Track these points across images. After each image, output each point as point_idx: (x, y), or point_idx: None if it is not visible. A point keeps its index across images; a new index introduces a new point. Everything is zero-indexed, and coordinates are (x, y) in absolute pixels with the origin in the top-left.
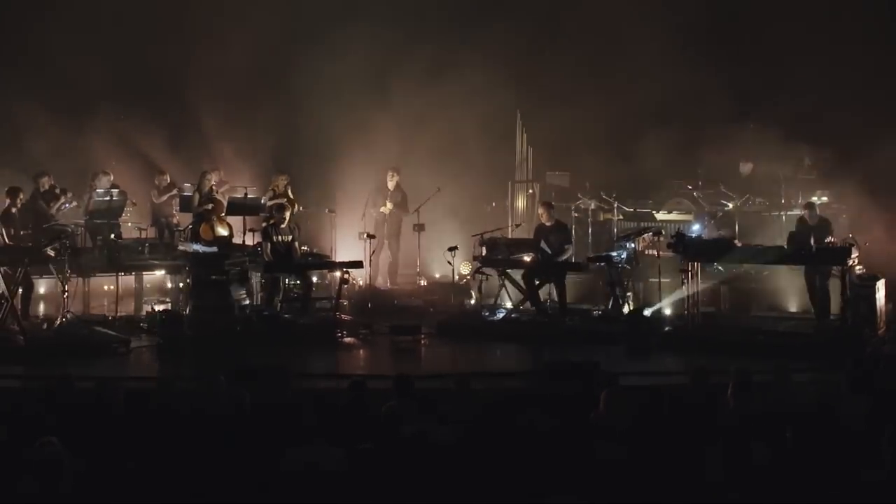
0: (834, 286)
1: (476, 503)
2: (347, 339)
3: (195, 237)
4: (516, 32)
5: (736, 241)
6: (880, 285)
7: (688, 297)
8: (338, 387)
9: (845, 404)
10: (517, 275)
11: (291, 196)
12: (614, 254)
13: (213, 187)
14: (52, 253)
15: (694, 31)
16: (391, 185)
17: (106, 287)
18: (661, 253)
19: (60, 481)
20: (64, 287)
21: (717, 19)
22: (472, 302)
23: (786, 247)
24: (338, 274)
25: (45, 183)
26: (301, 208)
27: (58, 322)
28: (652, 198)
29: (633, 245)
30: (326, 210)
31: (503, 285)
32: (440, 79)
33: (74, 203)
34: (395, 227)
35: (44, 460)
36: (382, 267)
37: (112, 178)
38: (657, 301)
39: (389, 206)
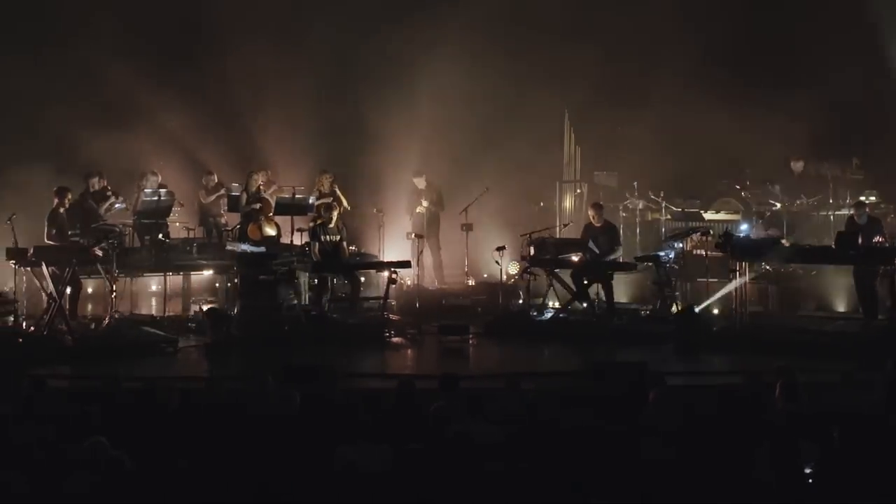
0: (883, 286)
1: (524, 503)
2: (395, 339)
3: (243, 237)
4: (563, 31)
5: (784, 241)
6: None
7: (735, 296)
8: (386, 387)
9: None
10: (565, 275)
11: (339, 194)
12: (662, 253)
13: (261, 187)
14: (99, 253)
15: (739, 29)
16: (421, 185)
17: (154, 287)
18: (709, 253)
19: (109, 481)
20: (112, 287)
21: (762, 19)
22: (520, 302)
23: (834, 246)
24: (385, 274)
25: (96, 183)
26: (349, 207)
27: (106, 322)
28: (700, 197)
29: (681, 245)
30: (374, 210)
31: (551, 285)
32: (488, 78)
33: (124, 205)
34: (434, 226)
35: (92, 460)
36: (430, 267)
37: (160, 178)
38: (705, 300)
39: (425, 203)
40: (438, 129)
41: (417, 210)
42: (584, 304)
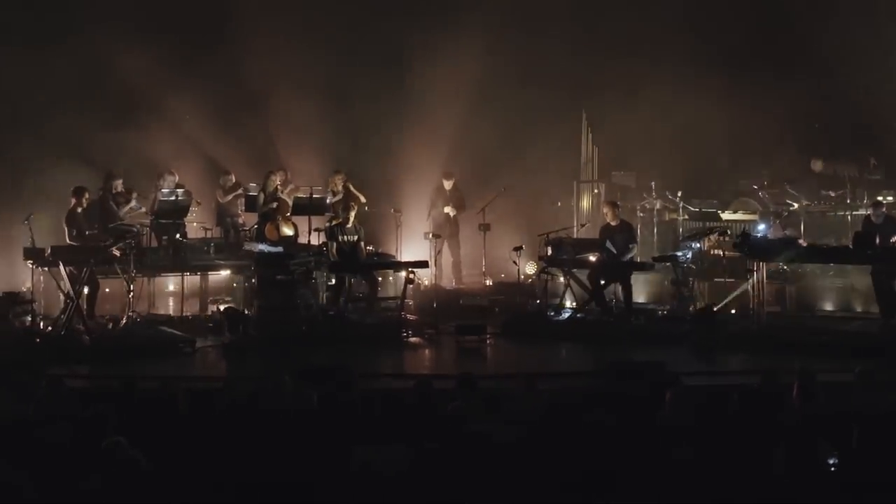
0: None
1: (541, 503)
2: (413, 339)
3: (260, 237)
4: (582, 32)
5: (801, 241)
6: None
7: (753, 296)
8: (403, 387)
9: None
10: (582, 274)
11: (353, 191)
12: (680, 253)
13: (278, 187)
14: (117, 253)
15: (756, 27)
16: (448, 187)
17: (171, 287)
18: (726, 253)
19: (127, 481)
20: (129, 287)
21: (780, 17)
22: (538, 302)
23: (851, 246)
24: (403, 274)
25: (118, 185)
26: (364, 200)
27: (123, 322)
28: (718, 197)
29: (698, 245)
30: (392, 210)
31: (568, 285)
32: (506, 78)
33: (142, 208)
34: (454, 227)
35: (109, 460)
36: (447, 267)
37: (177, 177)
38: (723, 301)
39: (453, 210)
40: (456, 129)
41: (445, 210)
42: (599, 307)
